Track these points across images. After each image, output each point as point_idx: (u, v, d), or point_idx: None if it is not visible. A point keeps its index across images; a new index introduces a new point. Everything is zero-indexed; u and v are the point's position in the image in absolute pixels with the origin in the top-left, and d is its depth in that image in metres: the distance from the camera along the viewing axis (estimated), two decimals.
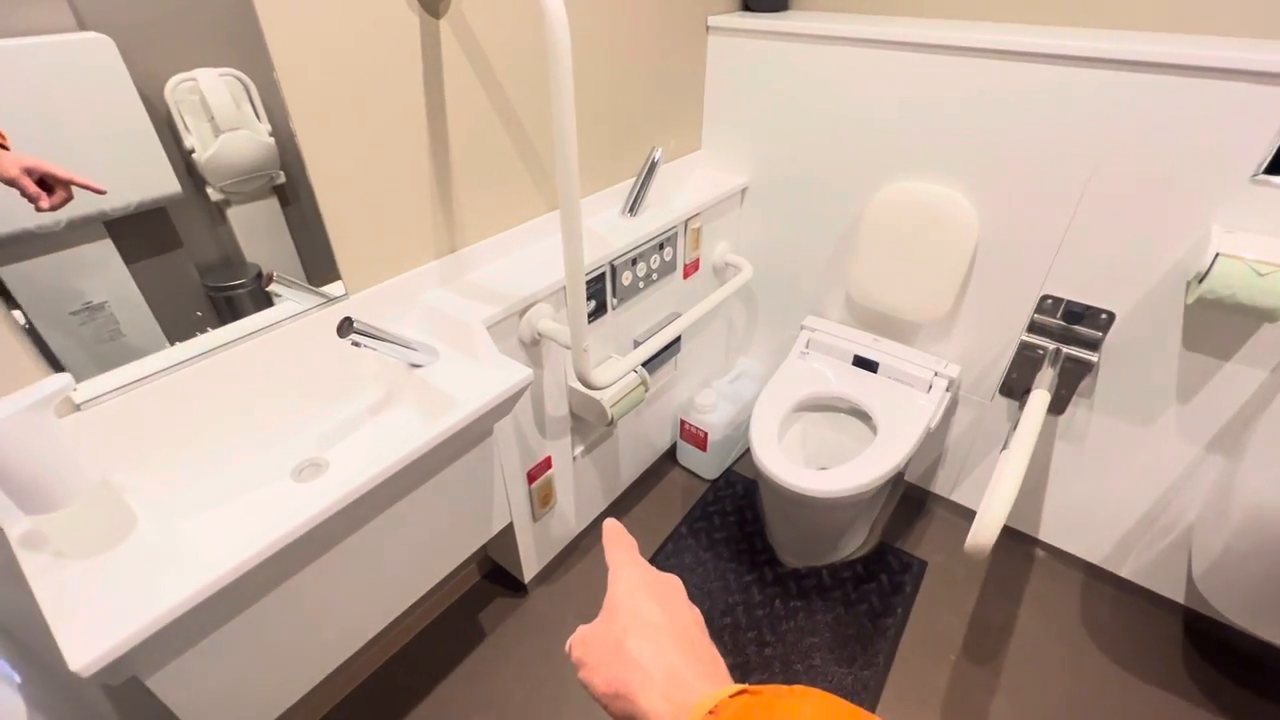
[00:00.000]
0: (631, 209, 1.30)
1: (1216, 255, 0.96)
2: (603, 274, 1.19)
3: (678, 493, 1.70)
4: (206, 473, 0.83)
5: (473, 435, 0.98)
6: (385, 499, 0.87)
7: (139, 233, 0.77)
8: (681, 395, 1.68)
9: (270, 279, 0.90)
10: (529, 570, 1.39)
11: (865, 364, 1.43)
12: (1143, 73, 0.99)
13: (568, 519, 1.44)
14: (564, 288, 1.12)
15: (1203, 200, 1.01)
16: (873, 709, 1.22)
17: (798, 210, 1.48)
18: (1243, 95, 0.93)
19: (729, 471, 1.76)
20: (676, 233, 1.35)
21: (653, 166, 1.28)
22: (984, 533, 0.92)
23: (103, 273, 0.75)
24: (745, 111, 1.43)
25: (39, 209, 0.67)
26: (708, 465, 1.70)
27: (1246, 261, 0.94)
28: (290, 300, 0.90)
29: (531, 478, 1.25)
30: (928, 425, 1.32)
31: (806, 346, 1.51)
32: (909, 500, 1.66)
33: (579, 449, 1.37)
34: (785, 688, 0.29)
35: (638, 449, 1.61)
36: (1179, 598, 1.37)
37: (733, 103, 1.44)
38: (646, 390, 1.31)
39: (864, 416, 1.40)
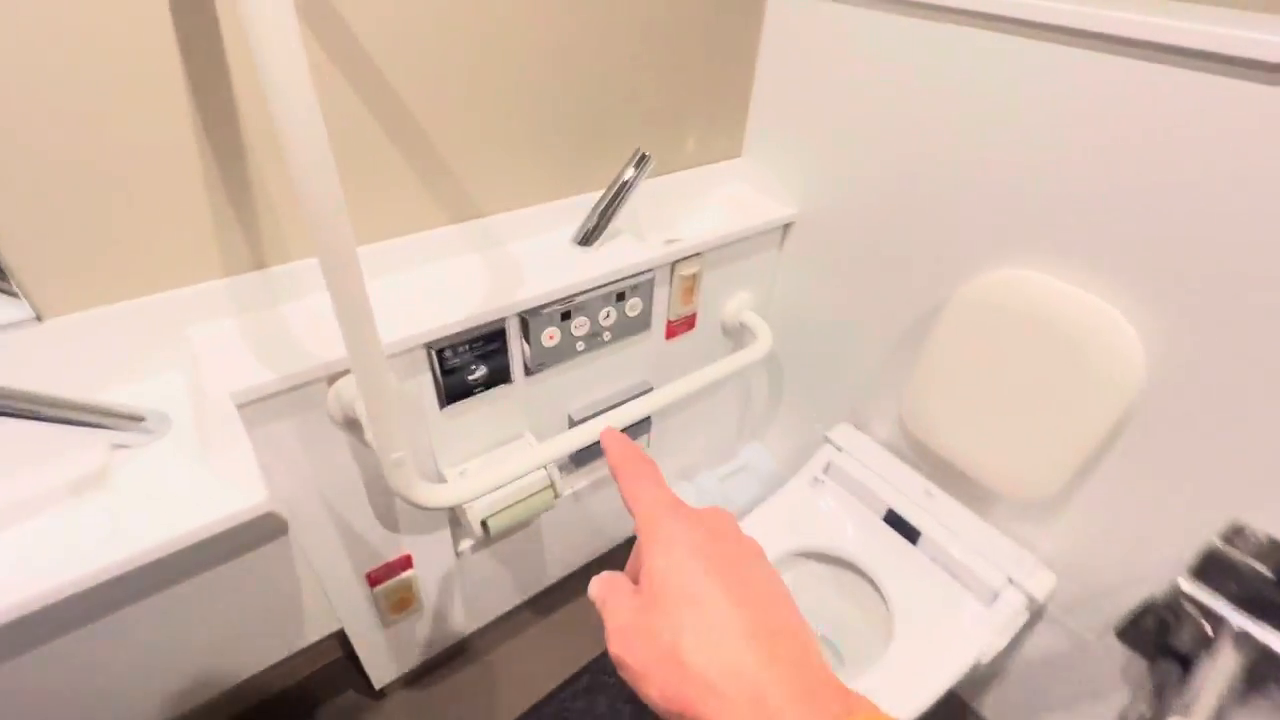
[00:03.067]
0: (585, 238, 0.88)
1: None
2: (501, 330, 0.80)
3: None
4: None
5: (193, 560, 0.65)
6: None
7: None
8: None
9: None
10: (380, 675, 1.06)
11: (902, 526, 0.94)
12: None
13: (449, 620, 1.09)
14: (424, 345, 0.75)
15: None
16: None
17: (857, 272, 0.99)
18: None
19: None
20: (651, 279, 0.92)
21: (626, 182, 0.85)
22: None
23: None
24: (813, 114, 0.95)
25: None
26: None
27: None
28: None
29: (374, 580, 0.91)
30: (978, 658, 0.82)
31: (824, 471, 1.03)
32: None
33: (466, 543, 1.01)
34: None
35: (577, 538, 1.22)
36: None
37: (796, 99, 0.97)
38: (556, 496, 0.92)
39: (886, 598, 0.92)
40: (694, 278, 0.97)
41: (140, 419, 0.62)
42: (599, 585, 0.28)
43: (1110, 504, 0.80)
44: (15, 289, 0.59)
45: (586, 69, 0.83)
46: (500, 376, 0.84)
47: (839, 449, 1.03)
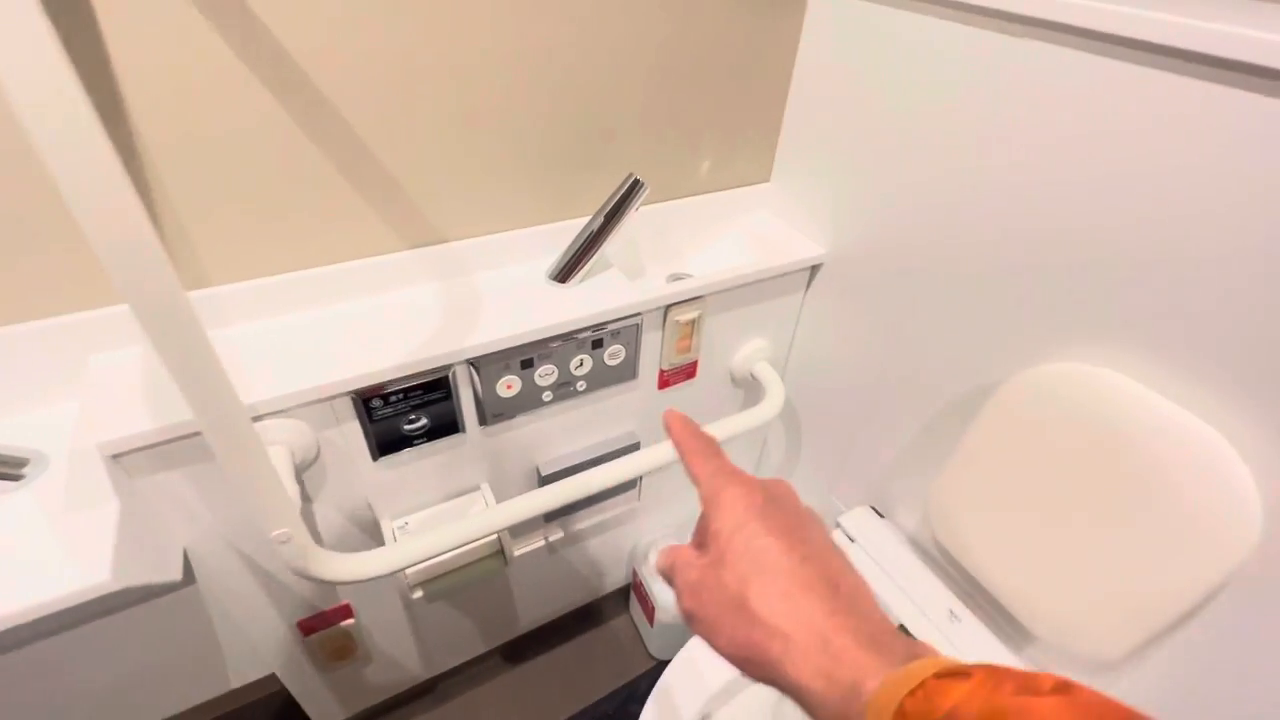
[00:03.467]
0: (561, 273, 0.76)
1: None
2: (444, 378, 0.69)
3: (607, 656, 1.19)
4: None
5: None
6: None
7: None
8: (645, 531, 1.14)
9: None
10: (323, 718, 1.00)
11: None
12: None
13: (402, 667, 1.01)
14: (348, 393, 0.65)
15: None
16: None
17: (892, 332, 0.82)
18: None
19: None
20: (638, 325, 0.79)
21: (616, 208, 0.72)
22: None
23: None
24: (856, 140, 0.79)
25: None
26: (655, 640, 1.16)
27: None
28: None
29: (308, 629, 0.83)
30: None
31: None
32: None
33: (416, 592, 0.92)
34: (1023, 674, 0.21)
35: (551, 590, 1.11)
36: None
37: (837, 120, 0.81)
38: (506, 563, 0.81)
39: None
40: (692, 324, 0.83)
41: (24, 461, 0.56)
42: (664, 555, 0.31)
43: (1197, 678, 0.60)
44: None
45: (582, 81, 0.71)
46: (447, 427, 0.73)
47: (851, 539, 0.86)
